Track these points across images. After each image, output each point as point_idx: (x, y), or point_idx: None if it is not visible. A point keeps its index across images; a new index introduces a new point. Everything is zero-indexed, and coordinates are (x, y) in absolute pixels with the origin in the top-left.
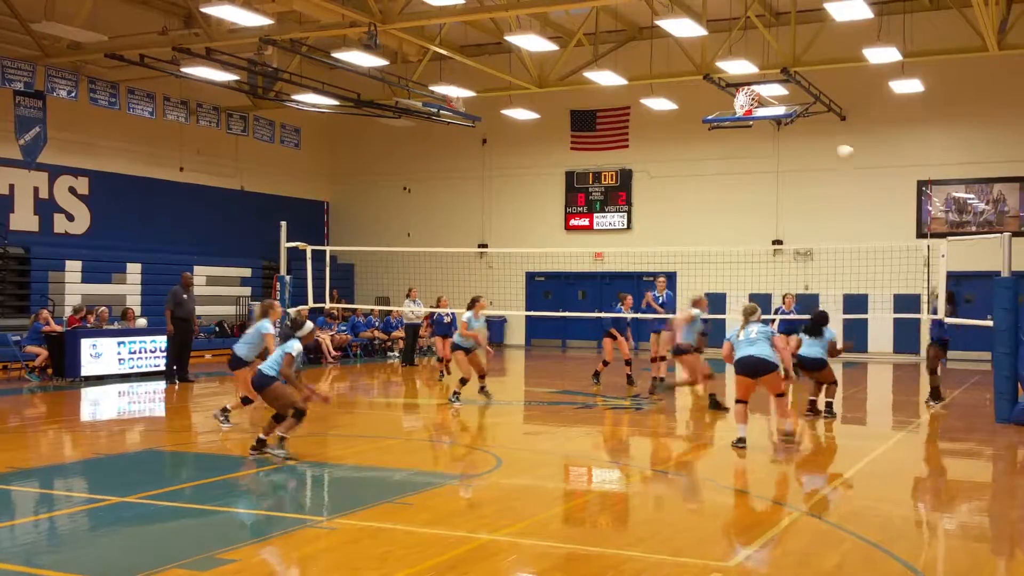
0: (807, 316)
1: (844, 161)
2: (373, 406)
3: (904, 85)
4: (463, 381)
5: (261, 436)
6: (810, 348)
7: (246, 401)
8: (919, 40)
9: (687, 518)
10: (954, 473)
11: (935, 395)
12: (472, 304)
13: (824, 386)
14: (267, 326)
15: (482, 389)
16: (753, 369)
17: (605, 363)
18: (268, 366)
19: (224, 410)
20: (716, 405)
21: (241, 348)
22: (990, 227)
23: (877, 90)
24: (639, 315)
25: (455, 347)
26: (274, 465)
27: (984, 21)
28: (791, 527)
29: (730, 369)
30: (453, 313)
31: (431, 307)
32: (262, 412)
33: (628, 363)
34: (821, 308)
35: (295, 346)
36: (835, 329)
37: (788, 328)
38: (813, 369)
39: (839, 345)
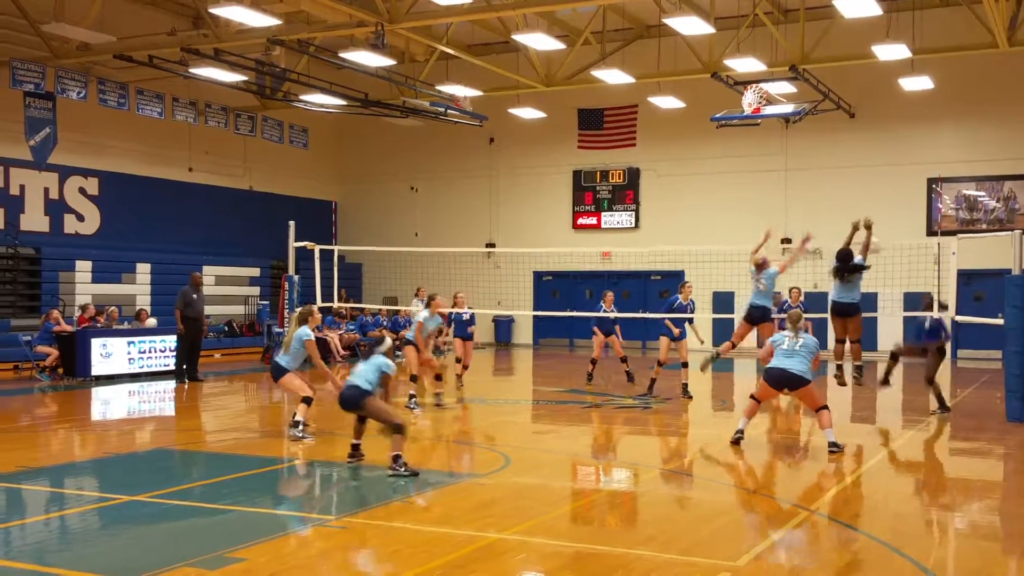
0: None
1: (854, 159)
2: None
3: (913, 82)
4: (414, 378)
5: (355, 441)
6: (844, 292)
7: (307, 401)
8: (928, 37)
9: (696, 517)
10: (965, 472)
11: (942, 404)
12: (429, 301)
13: (850, 344)
14: (307, 332)
15: (437, 394)
16: (782, 382)
17: (593, 361)
18: (364, 380)
19: (296, 423)
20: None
21: (284, 359)
22: (1001, 225)
23: (886, 87)
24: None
25: (406, 342)
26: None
27: (994, 17)
28: (801, 526)
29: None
30: (472, 312)
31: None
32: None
33: (624, 360)
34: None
35: (388, 363)
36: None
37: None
38: (848, 315)
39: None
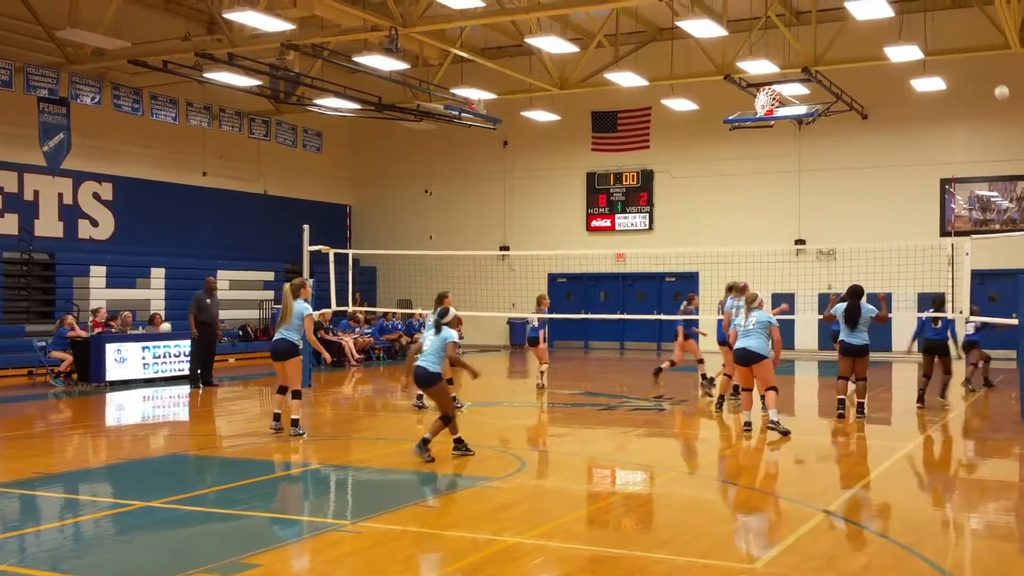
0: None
1: (867, 160)
2: (396, 409)
3: (926, 83)
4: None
5: (427, 436)
6: (854, 335)
7: (282, 390)
8: (940, 38)
9: (713, 519)
10: (981, 472)
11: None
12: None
13: (856, 382)
14: (307, 307)
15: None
16: (745, 359)
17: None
18: (431, 362)
19: (295, 422)
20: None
21: (290, 335)
22: (1014, 225)
23: (899, 88)
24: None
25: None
26: (297, 469)
27: (1006, 18)
28: (817, 528)
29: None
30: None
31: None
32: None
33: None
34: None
35: (453, 334)
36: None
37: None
38: (859, 356)
39: (879, 312)
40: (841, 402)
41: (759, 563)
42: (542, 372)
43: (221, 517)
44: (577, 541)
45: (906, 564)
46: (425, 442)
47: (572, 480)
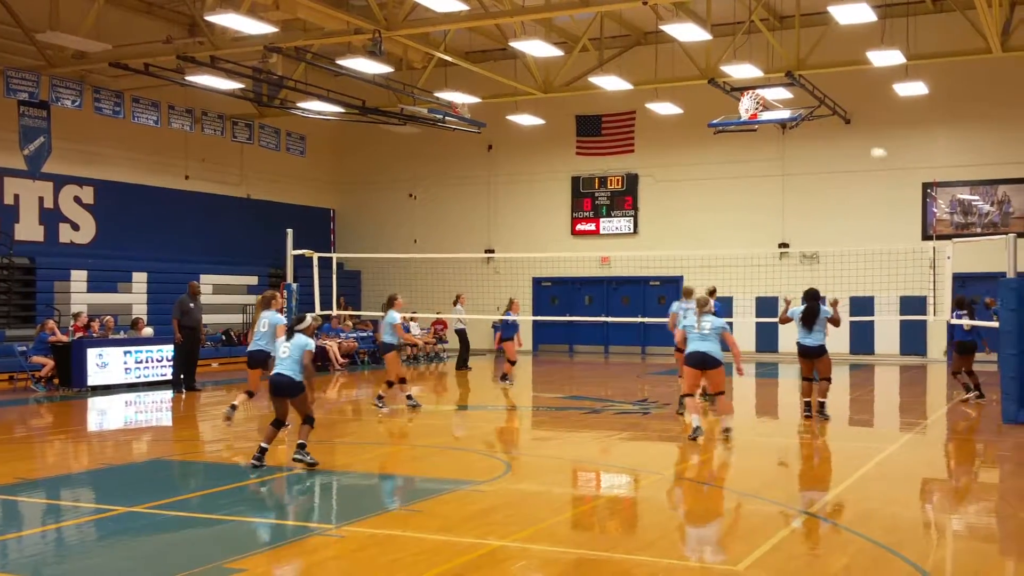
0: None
1: (850, 164)
2: (380, 413)
3: (908, 88)
4: (391, 384)
5: (263, 445)
6: (809, 336)
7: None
8: (923, 42)
9: (695, 522)
10: (962, 474)
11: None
12: (392, 302)
13: (818, 382)
14: (279, 317)
15: (408, 396)
16: (702, 363)
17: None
18: (294, 370)
19: (233, 407)
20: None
21: (266, 346)
22: (995, 228)
23: (881, 93)
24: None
25: (388, 347)
26: (280, 474)
27: (987, 23)
28: (799, 530)
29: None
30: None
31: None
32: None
33: (512, 363)
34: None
35: (309, 341)
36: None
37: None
38: (815, 356)
39: (833, 314)
40: (808, 404)
41: (741, 565)
42: (509, 370)
43: (204, 522)
44: (561, 544)
45: (887, 565)
46: (263, 451)
47: (556, 483)
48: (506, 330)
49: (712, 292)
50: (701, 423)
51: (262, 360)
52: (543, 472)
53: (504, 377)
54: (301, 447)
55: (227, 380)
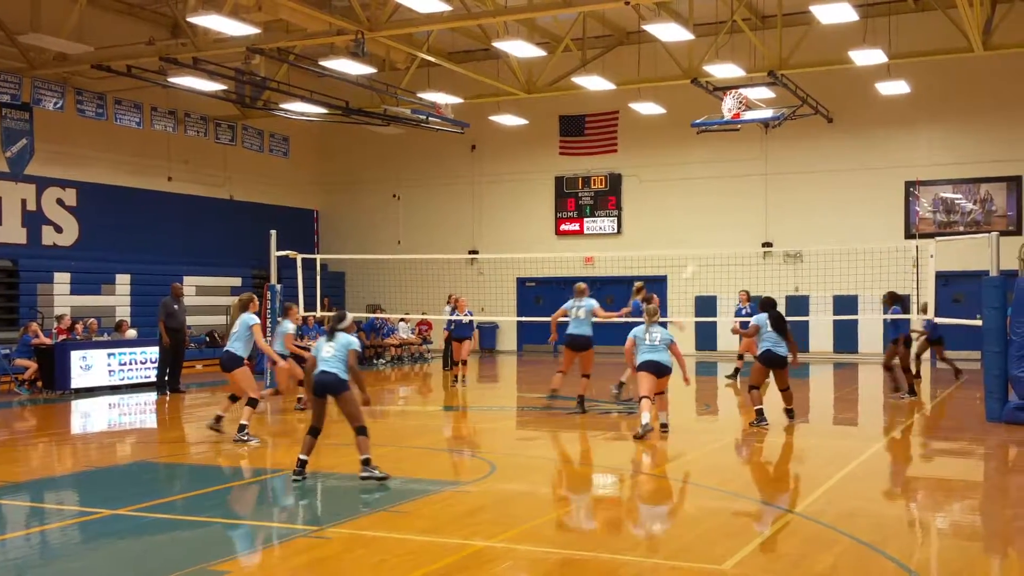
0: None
1: (832, 163)
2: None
3: (890, 86)
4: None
5: (303, 457)
6: (780, 345)
7: (253, 403)
8: (904, 41)
9: (681, 521)
10: (946, 472)
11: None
12: (287, 311)
13: (783, 392)
14: (253, 317)
15: (300, 400)
16: (658, 371)
17: (462, 363)
18: (339, 368)
19: (242, 427)
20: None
21: (236, 347)
22: (978, 227)
23: (863, 92)
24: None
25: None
26: (266, 475)
27: (969, 21)
28: (784, 529)
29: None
30: (471, 312)
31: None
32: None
33: (464, 363)
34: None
35: (353, 340)
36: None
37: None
38: (781, 367)
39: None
40: (760, 412)
41: (727, 564)
42: (462, 367)
43: (188, 524)
44: (547, 544)
45: (872, 563)
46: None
47: (542, 484)
48: (457, 330)
49: (641, 289)
50: (650, 420)
51: (234, 362)
52: (528, 472)
53: (456, 379)
54: (366, 463)
55: (211, 382)
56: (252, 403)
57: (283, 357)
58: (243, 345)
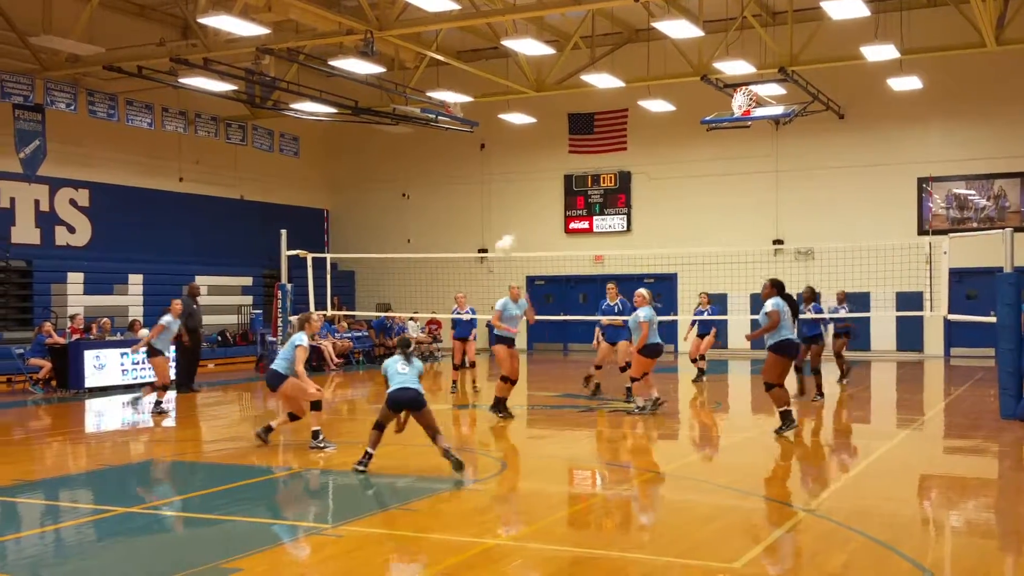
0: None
1: (844, 159)
2: (376, 412)
3: (902, 82)
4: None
5: (371, 451)
6: (793, 332)
7: (293, 417)
8: (916, 37)
9: (692, 520)
10: (960, 470)
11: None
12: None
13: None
14: (301, 337)
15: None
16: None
17: (457, 366)
18: (419, 385)
19: (316, 433)
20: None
21: (281, 366)
22: (991, 223)
23: (875, 88)
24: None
25: (499, 340)
26: (278, 474)
27: (982, 16)
28: (797, 527)
29: None
30: (472, 310)
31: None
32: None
33: (473, 366)
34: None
35: (420, 363)
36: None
37: (704, 329)
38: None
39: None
40: (787, 414)
41: (739, 562)
42: (468, 370)
43: (202, 522)
44: (557, 542)
45: (886, 562)
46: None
47: (552, 482)
48: (458, 329)
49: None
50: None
51: (278, 380)
52: (539, 470)
53: (454, 386)
54: (448, 450)
55: (223, 381)
56: (316, 407)
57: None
58: (288, 365)
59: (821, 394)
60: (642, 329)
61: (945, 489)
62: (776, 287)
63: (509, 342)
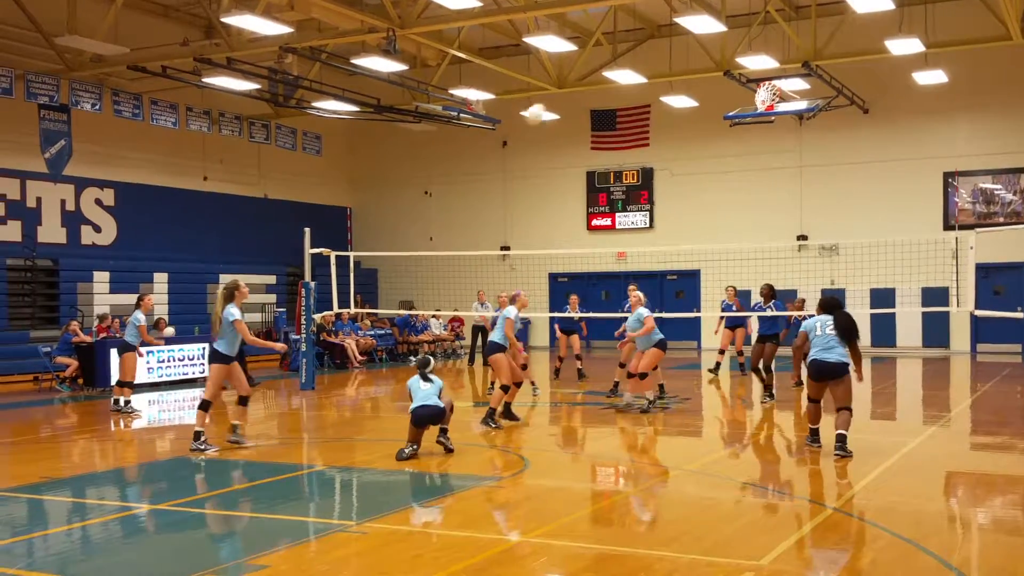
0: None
1: (869, 154)
2: (400, 410)
3: (927, 76)
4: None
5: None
6: (830, 351)
7: (243, 401)
8: (941, 30)
9: (717, 517)
10: (987, 467)
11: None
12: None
13: (839, 411)
14: (234, 312)
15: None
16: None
17: (560, 359)
18: (436, 398)
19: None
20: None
21: (220, 345)
22: (1018, 217)
23: (900, 82)
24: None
25: (495, 348)
26: (302, 471)
27: (1007, 9)
28: (823, 524)
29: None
30: (488, 306)
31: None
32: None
33: (578, 358)
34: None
35: (440, 382)
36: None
37: (733, 323)
38: (833, 378)
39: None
40: (814, 433)
41: (764, 560)
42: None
43: (228, 519)
44: (581, 540)
45: (913, 560)
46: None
47: (576, 479)
48: (563, 323)
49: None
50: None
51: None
52: (563, 468)
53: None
54: (443, 431)
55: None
56: (243, 402)
57: (132, 348)
58: (227, 344)
59: (771, 395)
60: (646, 324)
61: (972, 486)
62: (827, 306)
63: (504, 350)
